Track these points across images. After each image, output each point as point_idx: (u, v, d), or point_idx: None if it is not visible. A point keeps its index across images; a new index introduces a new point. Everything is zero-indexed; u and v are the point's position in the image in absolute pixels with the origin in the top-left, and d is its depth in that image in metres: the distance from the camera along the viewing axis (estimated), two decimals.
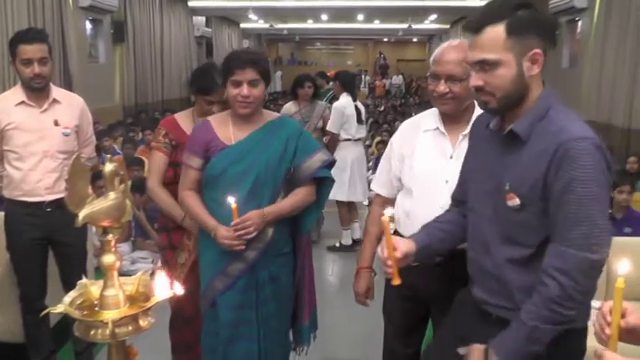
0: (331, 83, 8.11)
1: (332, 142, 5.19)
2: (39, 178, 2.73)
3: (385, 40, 28.02)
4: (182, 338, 2.64)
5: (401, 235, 1.95)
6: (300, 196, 2.26)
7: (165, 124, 2.61)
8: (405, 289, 1.77)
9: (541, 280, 1.40)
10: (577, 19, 9.37)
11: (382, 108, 14.62)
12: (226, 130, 2.22)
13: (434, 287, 2.02)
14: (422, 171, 2.04)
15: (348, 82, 5.54)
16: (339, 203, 5.26)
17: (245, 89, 2.13)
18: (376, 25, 21.33)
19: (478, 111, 2.04)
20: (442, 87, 1.95)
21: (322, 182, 2.32)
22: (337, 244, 5.40)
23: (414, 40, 27.52)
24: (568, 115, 1.47)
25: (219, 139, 2.21)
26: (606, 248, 1.38)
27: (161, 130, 2.58)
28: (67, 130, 2.79)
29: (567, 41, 9.96)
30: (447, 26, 20.33)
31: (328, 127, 5.20)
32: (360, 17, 19.00)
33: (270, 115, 2.34)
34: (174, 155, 2.51)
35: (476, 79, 1.46)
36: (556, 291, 1.36)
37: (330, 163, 2.30)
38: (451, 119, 2.02)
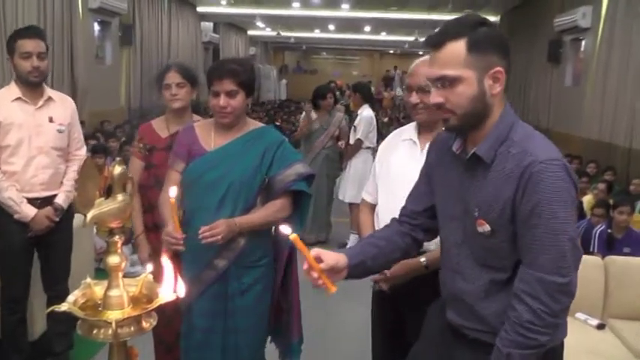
0: (337, 94, 8.23)
1: (356, 149, 5.54)
2: (33, 174, 2.77)
3: (391, 51, 28.10)
4: (161, 337, 2.69)
5: None
6: (272, 209, 2.22)
7: (141, 130, 2.79)
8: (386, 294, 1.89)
9: (512, 305, 1.38)
10: (581, 38, 9.42)
11: (386, 119, 14.64)
12: (208, 137, 2.26)
13: (409, 293, 2.06)
14: (392, 176, 2.16)
15: (368, 95, 5.81)
16: (354, 207, 5.35)
17: (222, 100, 2.15)
18: (383, 36, 21.41)
19: None
20: (414, 98, 2.08)
21: (302, 197, 2.27)
22: None
23: (420, 52, 27.62)
24: (530, 135, 1.43)
25: (200, 145, 2.25)
26: (574, 270, 1.36)
27: (137, 135, 2.77)
28: (62, 127, 2.85)
29: (571, 60, 10.01)
30: None
31: (359, 135, 5.52)
32: (367, 28, 19.07)
33: (254, 124, 2.33)
34: (149, 158, 2.68)
35: (436, 96, 1.42)
36: (527, 315, 1.34)
37: (308, 177, 2.26)
38: (426, 129, 2.14)
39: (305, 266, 1.41)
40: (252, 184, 2.19)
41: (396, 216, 1.87)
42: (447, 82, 1.39)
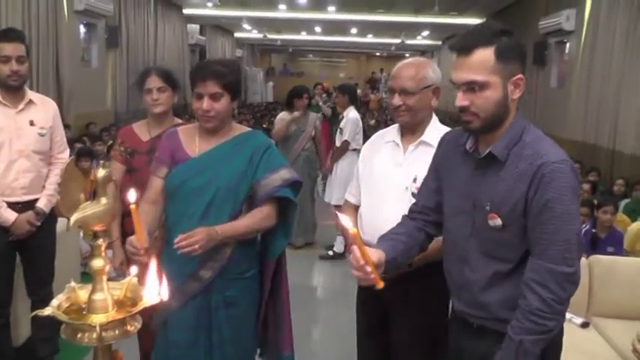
0: (324, 96, 8.22)
1: (343, 151, 5.50)
2: (14, 178, 2.75)
3: (378, 54, 28.19)
4: (141, 344, 2.67)
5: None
6: (255, 217, 2.10)
7: (122, 133, 2.76)
8: (369, 292, 1.89)
9: (522, 294, 1.47)
10: (565, 40, 9.52)
11: (373, 122, 14.67)
12: (192, 142, 2.16)
13: (393, 292, 2.07)
14: (375, 177, 2.19)
15: (354, 96, 5.79)
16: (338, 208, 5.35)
17: (205, 103, 2.05)
18: (369, 39, 21.47)
19: (434, 123, 2.17)
20: (396, 100, 2.09)
21: (287, 205, 2.17)
22: (330, 253, 5.48)
23: (407, 55, 27.67)
24: (541, 138, 1.56)
25: (184, 150, 2.15)
26: (578, 261, 1.48)
27: (118, 139, 2.73)
28: (43, 131, 2.83)
29: (556, 62, 10.11)
30: (439, 42, 20.51)
31: (345, 137, 5.48)
32: (354, 31, 19.11)
33: (240, 128, 2.23)
34: (131, 162, 2.64)
35: (462, 99, 1.51)
36: (536, 303, 1.45)
37: (294, 183, 2.15)
38: (408, 131, 2.17)
39: (361, 262, 1.47)
40: (239, 190, 2.10)
41: (379, 217, 1.90)
42: (476, 87, 1.49)
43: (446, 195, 1.71)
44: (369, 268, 1.48)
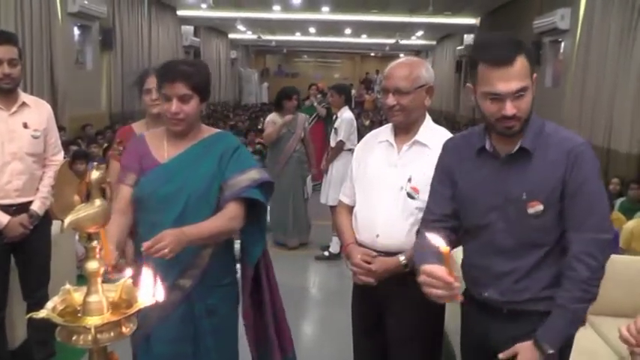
0: (319, 96, 8.20)
1: (338, 151, 5.46)
2: (8, 180, 2.74)
3: (372, 54, 28.21)
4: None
5: None
6: (222, 218, 1.99)
7: (120, 133, 2.73)
8: (365, 292, 2.03)
9: (569, 267, 1.61)
10: (560, 40, 9.55)
11: (368, 122, 14.68)
12: (160, 147, 2.08)
13: (389, 292, 2.10)
14: (369, 177, 2.18)
15: (349, 96, 5.78)
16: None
17: (174, 105, 1.96)
18: (364, 39, 21.49)
19: (427, 123, 2.17)
20: (390, 100, 2.09)
21: (258, 208, 2.10)
22: (326, 253, 5.47)
23: (401, 55, 27.64)
24: (557, 127, 1.71)
25: (152, 156, 2.07)
26: (611, 228, 1.67)
27: (117, 138, 2.70)
28: (37, 133, 2.82)
29: (551, 61, 10.14)
30: (434, 42, 20.56)
31: (340, 137, 5.44)
32: (348, 31, 19.13)
33: (209, 130, 2.15)
34: None
35: (512, 108, 1.58)
36: (586, 273, 1.57)
37: (264, 184, 2.07)
38: (402, 130, 2.16)
39: (450, 279, 1.53)
40: (210, 194, 2.02)
41: (374, 217, 1.91)
42: (523, 93, 1.58)
43: (466, 198, 1.77)
44: (457, 284, 1.54)
